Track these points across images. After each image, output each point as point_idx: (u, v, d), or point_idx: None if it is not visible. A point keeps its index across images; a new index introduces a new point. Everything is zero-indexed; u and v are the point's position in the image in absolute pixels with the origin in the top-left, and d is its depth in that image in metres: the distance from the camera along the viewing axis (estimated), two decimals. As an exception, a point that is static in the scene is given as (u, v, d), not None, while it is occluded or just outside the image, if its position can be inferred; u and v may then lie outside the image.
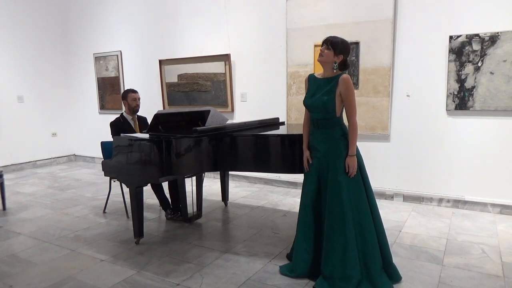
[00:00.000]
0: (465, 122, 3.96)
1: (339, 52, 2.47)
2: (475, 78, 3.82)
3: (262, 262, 2.91)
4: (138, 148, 3.09)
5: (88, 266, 2.90)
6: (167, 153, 2.96)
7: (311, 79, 2.63)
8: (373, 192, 2.62)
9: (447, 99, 3.98)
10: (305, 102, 2.60)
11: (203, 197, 4.28)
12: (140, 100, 3.96)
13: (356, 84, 4.34)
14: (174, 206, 3.94)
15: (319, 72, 2.65)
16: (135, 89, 3.98)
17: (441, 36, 3.95)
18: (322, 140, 2.55)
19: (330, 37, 2.50)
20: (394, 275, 2.55)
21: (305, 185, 2.68)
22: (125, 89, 4.01)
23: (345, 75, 2.48)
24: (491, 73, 3.74)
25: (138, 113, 4.02)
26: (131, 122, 3.93)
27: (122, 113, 3.96)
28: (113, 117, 3.99)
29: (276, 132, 3.37)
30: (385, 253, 2.55)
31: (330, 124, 2.52)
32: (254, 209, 4.23)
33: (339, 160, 2.49)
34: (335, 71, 2.50)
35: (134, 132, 3.87)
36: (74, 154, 7.48)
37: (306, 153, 2.67)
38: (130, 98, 3.88)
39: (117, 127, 3.81)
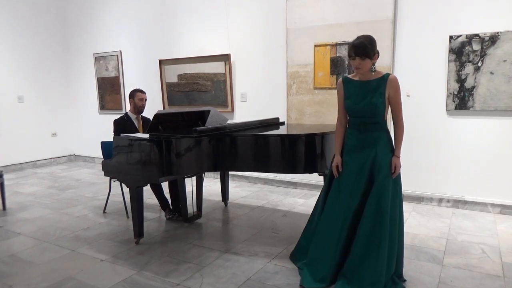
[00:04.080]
0: (465, 122, 3.96)
1: (373, 54, 2.36)
2: (475, 78, 3.82)
3: (262, 262, 2.90)
4: (138, 148, 3.09)
5: (88, 266, 2.90)
6: (167, 153, 2.96)
7: (348, 82, 2.50)
8: (402, 200, 2.57)
9: (447, 99, 3.98)
10: (351, 108, 2.46)
11: (203, 197, 4.28)
12: (146, 101, 3.98)
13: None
14: (174, 206, 3.94)
15: (351, 74, 2.55)
16: (143, 89, 3.98)
17: (441, 36, 3.95)
18: (368, 144, 2.44)
19: (356, 46, 2.33)
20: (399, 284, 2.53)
21: (336, 192, 2.53)
22: (134, 88, 4.00)
23: (393, 76, 2.40)
24: (491, 73, 3.74)
25: (144, 114, 4.03)
26: (135, 122, 3.94)
27: (126, 112, 3.98)
28: (113, 117, 4.00)
29: (276, 132, 3.37)
30: (398, 262, 2.53)
31: (379, 128, 2.44)
32: (254, 209, 4.23)
33: (386, 164, 2.42)
34: (373, 73, 2.42)
35: (137, 131, 3.88)
36: (74, 154, 7.48)
37: (338, 160, 2.54)
38: (137, 97, 3.90)
39: (121, 125, 3.83)
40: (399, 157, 2.45)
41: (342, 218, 2.48)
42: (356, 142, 2.49)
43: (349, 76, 2.54)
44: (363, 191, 2.45)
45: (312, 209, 2.84)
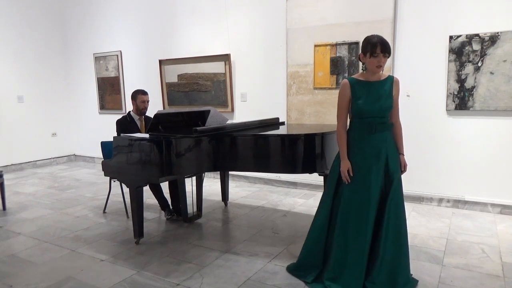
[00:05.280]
0: (465, 122, 3.96)
1: None
2: (475, 78, 3.82)
3: (262, 262, 2.90)
4: (138, 148, 3.09)
5: (88, 266, 2.90)
6: (167, 153, 2.96)
7: (355, 83, 2.42)
8: None
9: (447, 99, 3.98)
10: (363, 109, 2.39)
11: (203, 197, 4.28)
12: (149, 103, 3.96)
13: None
14: (174, 206, 3.94)
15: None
16: (145, 90, 3.96)
17: (441, 36, 3.95)
18: (379, 145, 2.42)
19: (384, 43, 2.30)
20: None
21: (355, 200, 2.43)
22: (136, 89, 3.99)
23: (396, 78, 2.48)
24: (491, 73, 3.74)
25: (146, 114, 4.03)
26: (138, 122, 3.94)
27: (129, 112, 3.98)
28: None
29: (276, 132, 3.37)
30: None
31: (387, 127, 2.46)
32: (254, 209, 4.23)
33: (397, 163, 2.47)
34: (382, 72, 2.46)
35: (139, 131, 3.87)
36: (74, 154, 7.48)
37: (348, 164, 2.44)
38: (139, 99, 3.88)
39: (123, 125, 3.83)
40: (404, 154, 2.53)
41: (365, 225, 2.40)
42: (366, 143, 2.44)
43: (354, 76, 2.49)
44: (380, 193, 2.43)
45: (312, 222, 2.65)
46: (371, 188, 2.40)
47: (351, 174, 2.44)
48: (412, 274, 2.59)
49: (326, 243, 2.55)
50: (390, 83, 2.43)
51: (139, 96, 3.89)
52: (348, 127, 2.53)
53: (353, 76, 2.50)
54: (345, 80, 2.47)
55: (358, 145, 2.46)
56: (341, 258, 2.45)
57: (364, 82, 2.43)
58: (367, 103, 2.39)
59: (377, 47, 2.29)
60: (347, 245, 2.43)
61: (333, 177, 2.54)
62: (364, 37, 2.41)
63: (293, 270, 2.72)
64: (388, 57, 2.35)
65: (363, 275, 2.40)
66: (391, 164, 2.43)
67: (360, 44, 2.49)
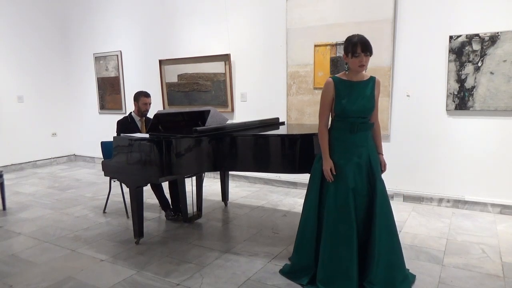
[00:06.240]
0: (465, 122, 3.96)
1: None
2: (475, 78, 3.82)
3: (262, 262, 2.91)
4: (138, 148, 3.09)
5: (88, 266, 2.90)
6: (167, 153, 2.96)
7: (339, 83, 2.43)
8: None
9: (447, 99, 3.98)
10: (347, 108, 2.39)
11: (203, 197, 4.28)
12: (151, 105, 3.98)
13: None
14: (174, 206, 3.94)
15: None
16: (148, 92, 3.96)
17: (441, 36, 3.95)
18: (361, 144, 2.44)
19: (365, 43, 2.32)
20: None
21: (341, 200, 2.42)
22: (138, 90, 3.99)
23: (377, 78, 2.51)
24: (491, 73, 3.74)
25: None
26: (139, 123, 3.95)
27: (131, 113, 3.98)
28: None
29: (276, 132, 3.37)
30: None
31: (368, 127, 2.48)
32: (254, 209, 4.23)
33: (378, 162, 2.52)
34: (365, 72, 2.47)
35: (140, 132, 3.88)
36: (74, 154, 7.48)
37: (331, 163, 2.44)
38: (142, 101, 3.90)
39: (123, 126, 3.84)
40: (383, 154, 2.59)
41: (350, 223, 2.40)
42: (348, 143, 2.46)
43: (338, 76, 2.49)
44: (365, 192, 2.44)
45: (300, 224, 2.65)
46: (357, 190, 2.42)
47: (334, 173, 2.44)
48: (409, 270, 2.61)
49: (317, 243, 2.53)
50: (372, 84, 2.45)
51: (142, 98, 3.89)
52: (329, 126, 2.53)
53: (336, 75, 2.51)
54: (329, 79, 2.47)
55: (340, 145, 2.48)
56: (328, 258, 2.43)
57: (348, 82, 2.44)
58: (351, 103, 2.41)
59: (357, 47, 2.32)
60: (335, 244, 2.42)
61: (316, 177, 2.53)
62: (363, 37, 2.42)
63: (286, 273, 2.69)
64: (370, 56, 2.36)
65: (356, 276, 2.38)
66: (373, 164, 2.46)
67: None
